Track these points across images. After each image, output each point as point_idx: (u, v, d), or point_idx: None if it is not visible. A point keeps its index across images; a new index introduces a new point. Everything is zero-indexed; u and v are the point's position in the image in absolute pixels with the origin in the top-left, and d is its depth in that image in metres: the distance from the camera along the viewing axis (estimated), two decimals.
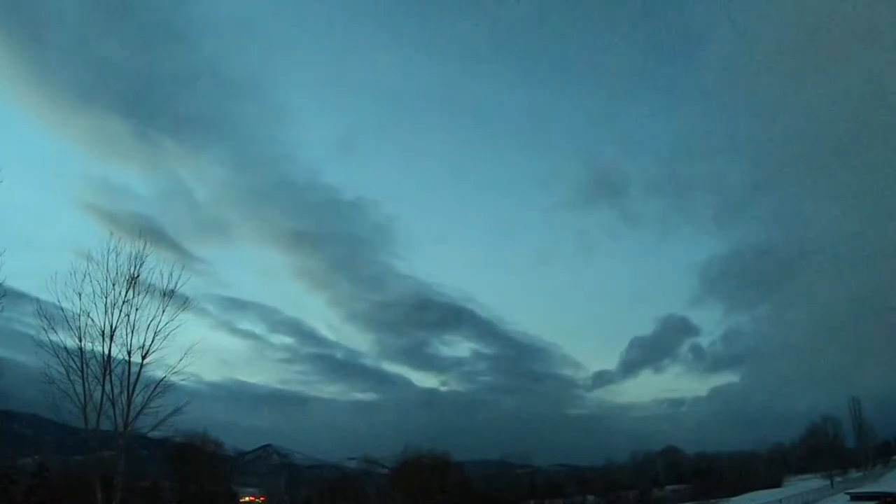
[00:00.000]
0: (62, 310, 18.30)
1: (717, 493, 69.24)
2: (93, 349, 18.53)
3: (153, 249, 19.92)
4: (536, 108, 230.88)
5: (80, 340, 18.31)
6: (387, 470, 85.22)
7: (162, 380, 19.31)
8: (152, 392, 19.12)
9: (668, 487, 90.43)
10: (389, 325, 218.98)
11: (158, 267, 19.95)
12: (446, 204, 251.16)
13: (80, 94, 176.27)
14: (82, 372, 18.21)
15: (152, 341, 19.19)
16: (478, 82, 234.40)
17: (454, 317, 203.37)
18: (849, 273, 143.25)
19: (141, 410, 18.97)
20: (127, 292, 19.04)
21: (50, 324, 18.05)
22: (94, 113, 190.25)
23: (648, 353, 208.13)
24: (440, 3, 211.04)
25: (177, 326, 19.61)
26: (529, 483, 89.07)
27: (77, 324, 18.41)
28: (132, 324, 19.00)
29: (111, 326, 18.72)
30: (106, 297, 18.77)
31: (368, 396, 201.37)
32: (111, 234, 19.44)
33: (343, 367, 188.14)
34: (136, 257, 19.49)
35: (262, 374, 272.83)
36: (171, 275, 19.98)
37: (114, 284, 18.96)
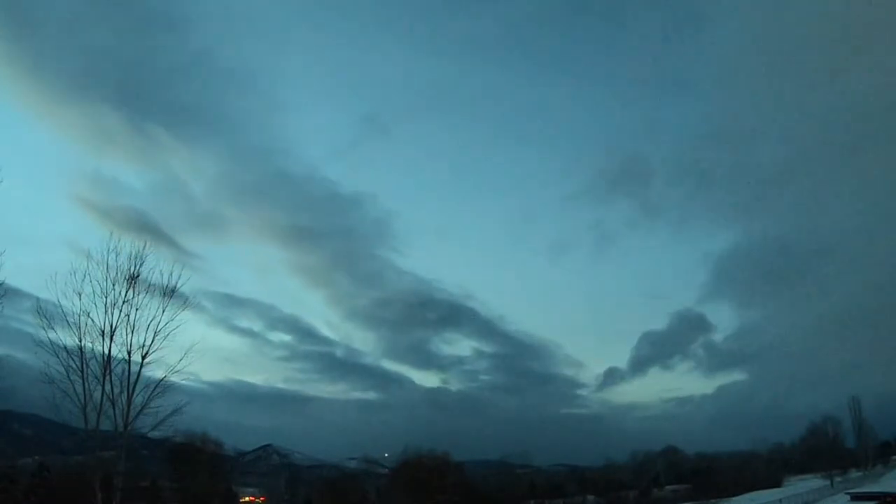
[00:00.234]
0: (62, 309, 18.34)
1: (717, 493, 69.26)
2: (93, 349, 18.54)
3: (152, 248, 19.95)
4: (541, 102, 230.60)
5: (80, 340, 18.33)
6: (387, 470, 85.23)
7: (162, 380, 19.35)
8: (152, 392, 19.14)
9: (668, 487, 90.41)
10: (389, 322, 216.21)
11: (158, 266, 20.01)
12: (447, 198, 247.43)
13: (73, 85, 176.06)
14: (82, 372, 18.21)
15: (152, 341, 19.23)
16: (481, 75, 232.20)
17: (455, 314, 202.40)
18: (853, 273, 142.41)
19: (141, 410, 18.98)
20: (127, 292, 19.06)
21: (48, 322, 18.08)
22: (87, 104, 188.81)
23: (649, 353, 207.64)
24: None
25: (177, 326, 19.66)
26: (529, 483, 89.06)
27: (77, 324, 18.45)
28: (132, 323, 19.02)
29: (111, 326, 18.74)
30: (106, 297, 18.79)
31: (369, 395, 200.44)
32: (111, 233, 19.48)
33: (343, 365, 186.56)
34: (136, 257, 19.53)
35: (262, 374, 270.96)
36: (171, 274, 20.03)
37: (114, 284, 18.99)
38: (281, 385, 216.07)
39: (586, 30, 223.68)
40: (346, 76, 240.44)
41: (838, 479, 64.45)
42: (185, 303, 20.34)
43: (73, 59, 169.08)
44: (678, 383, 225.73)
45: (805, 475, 74.96)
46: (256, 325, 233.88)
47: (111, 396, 18.59)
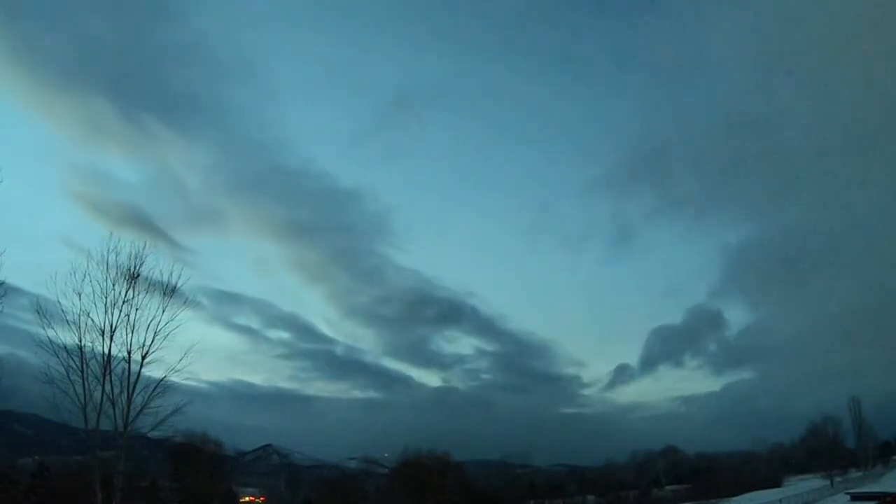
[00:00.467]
0: (62, 309, 18.35)
1: (717, 493, 69.25)
2: (93, 349, 18.55)
3: (150, 246, 19.96)
4: (541, 97, 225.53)
5: (80, 340, 18.35)
6: (387, 470, 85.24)
7: (162, 380, 19.37)
8: (152, 392, 19.16)
9: (668, 487, 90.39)
10: (389, 320, 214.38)
11: (158, 266, 20.03)
12: (447, 193, 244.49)
13: (64, 74, 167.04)
14: (82, 372, 18.22)
15: (152, 341, 19.26)
16: (486, 67, 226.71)
17: (455, 312, 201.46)
18: (859, 272, 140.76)
19: (141, 410, 19.00)
20: (127, 292, 19.08)
21: (47, 321, 18.09)
22: (79, 94, 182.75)
23: (653, 351, 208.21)
24: None
25: (177, 326, 19.69)
26: (529, 483, 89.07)
27: (77, 323, 18.46)
28: (132, 323, 19.07)
29: (111, 326, 18.76)
30: (106, 297, 18.82)
31: (368, 394, 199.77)
32: (111, 233, 19.52)
33: (343, 364, 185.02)
34: (136, 256, 19.55)
35: (261, 373, 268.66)
36: (171, 273, 20.05)
37: (114, 284, 19.01)
38: (280, 384, 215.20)
39: (603, 16, 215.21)
40: (345, 68, 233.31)
41: (838, 479, 64.41)
42: (185, 302, 20.38)
43: (64, 47, 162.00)
44: (683, 382, 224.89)
45: (805, 475, 74.92)
46: (254, 323, 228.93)
47: (111, 396, 18.61)
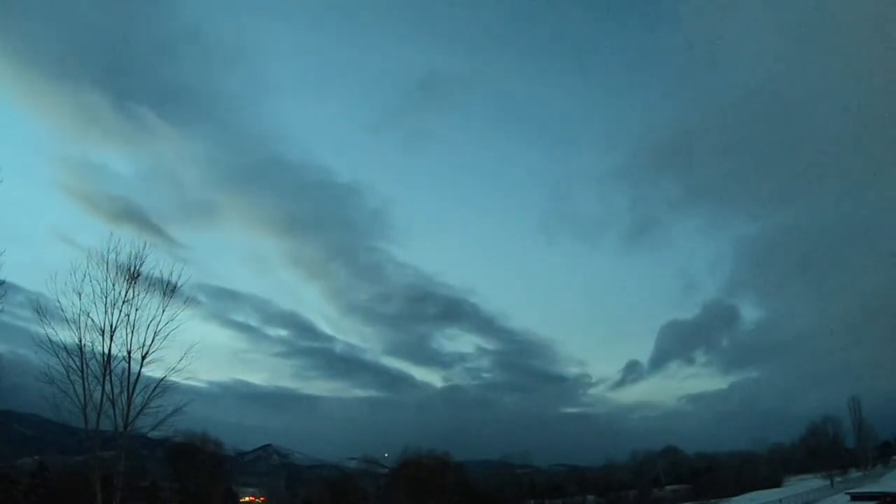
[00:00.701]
0: (62, 309, 18.36)
1: (717, 493, 69.27)
2: (92, 349, 18.57)
3: (145, 242, 19.95)
4: (538, 92, 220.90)
5: (80, 340, 18.36)
6: (387, 470, 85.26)
7: (162, 380, 19.38)
8: (152, 392, 19.18)
9: (668, 487, 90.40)
10: (389, 318, 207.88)
11: (158, 265, 20.06)
12: (448, 187, 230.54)
13: (53, 63, 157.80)
14: (82, 372, 18.24)
15: (152, 341, 19.27)
16: (489, 58, 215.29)
17: (456, 310, 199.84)
18: (859, 272, 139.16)
19: (141, 410, 19.03)
20: (127, 292, 19.09)
21: (45, 319, 18.11)
22: (70, 84, 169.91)
23: (654, 351, 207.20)
24: None
25: (177, 326, 19.70)
26: (529, 483, 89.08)
27: (77, 323, 18.48)
28: (132, 323, 19.09)
29: (111, 326, 18.78)
30: (106, 297, 18.84)
31: (369, 393, 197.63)
32: (111, 233, 19.54)
33: (342, 362, 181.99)
34: (136, 256, 19.56)
35: (260, 372, 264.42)
36: (171, 273, 20.08)
37: (114, 284, 19.02)
38: (280, 383, 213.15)
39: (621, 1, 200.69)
40: (344, 59, 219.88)
41: (838, 479, 64.44)
42: (185, 301, 20.41)
43: (53, 35, 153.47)
44: (687, 381, 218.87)
45: (805, 475, 74.90)
46: (252, 320, 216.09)
47: (111, 396, 18.63)
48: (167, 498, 55.66)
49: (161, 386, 19.34)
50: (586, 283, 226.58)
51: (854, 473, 72.48)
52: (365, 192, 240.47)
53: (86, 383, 18.25)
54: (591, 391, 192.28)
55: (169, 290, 19.84)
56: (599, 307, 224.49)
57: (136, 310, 19.19)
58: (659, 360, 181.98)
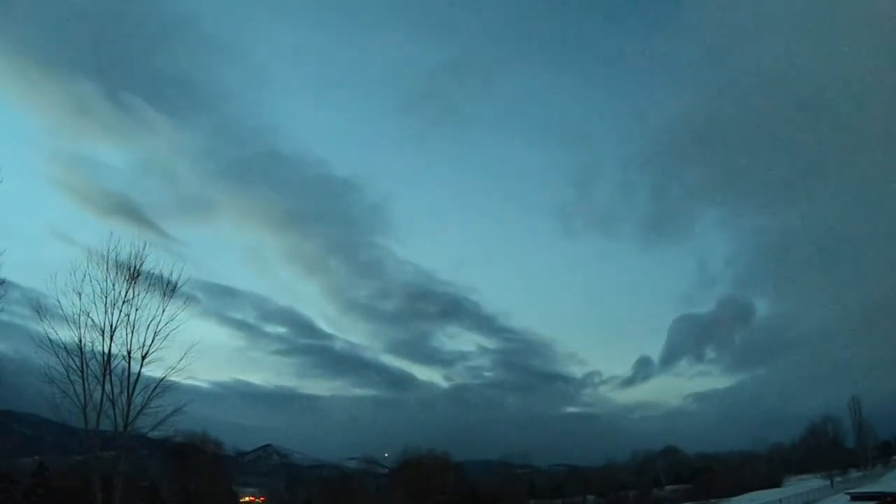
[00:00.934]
0: (61, 309, 18.36)
1: (717, 493, 69.27)
2: (93, 349, 18.56)
3: (149, 246, 19.92)
4: (536, 88, 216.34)
5: (80, 340, 18.36)
6: (387, 470, 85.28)
7: (162, 380, 19.37)
8: (152, 392, 19.17)
9: (668, 487, 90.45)
10: (389, 315, 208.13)
11: (158, 265, 20.06)
12: (448, 182, 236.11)
13: (44, 52, 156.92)
14: (82, 372, 18.24)
15: (152, 341, 19.26)
16: (485, 51, 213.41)
17: (456, 308, 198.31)
18: (861, 271, 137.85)
19: (141, 410, 19.02)
20: (127, 292, 19.09)
21: (45, 318, 18.11)
22: (62, 75, 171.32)
23: (660, 349, 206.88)
24: None
25: (177, 326, 19.70)
26: (529, 483, 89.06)
27: (77, 323, 18.48)
28: (132, 323, 19.08)
29: (111, 326, 18.78)
30: (106, 297, 18.83)
31: (368, 392, 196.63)
32: (111, 233, 19.54)
33: (342, 361, 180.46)
34: (136, 256, 19.57)
35: (259, 371, 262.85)
36: (171, 272, 20.08)
37: (114, 284, 19.02)
38: (279, 382, 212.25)
39: None
40: (343, 50, 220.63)
41: (838, 479, 64.42)
42: (185, 301, 20.40)
43: (45, 24, 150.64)
44: (692, 381, 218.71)
45: (805, 475, 74.90)
46: (250, 318, 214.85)
47: (111, 396, 18.63)
48: (167, 498, 55.65)
49: (161, 386, 19.34)
50: (586, 283, 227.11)
51: (854, 473, 72.47)
52: (364, 186, 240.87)
53: (86, 383, 18.25)
54: (592, 391, 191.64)
55: (169, 289, 19.84)
56: (600, 306, 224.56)
57: (136, 310, 19.20)
58: (668, 358, 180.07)
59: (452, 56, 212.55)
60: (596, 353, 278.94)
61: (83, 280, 18.55)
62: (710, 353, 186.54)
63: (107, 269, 18.97)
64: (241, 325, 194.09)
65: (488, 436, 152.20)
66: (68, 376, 18.07)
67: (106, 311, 18.78)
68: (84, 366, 18.31)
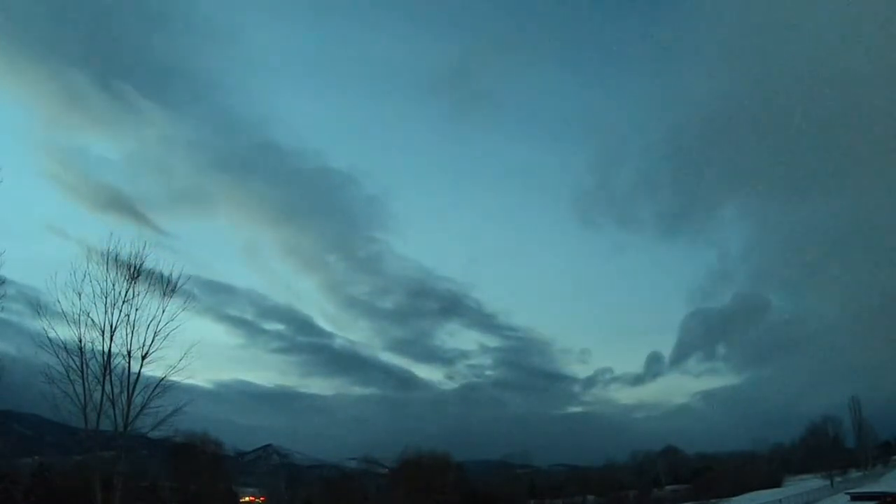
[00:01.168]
0: (61, 309, 18.37)
1: (717, 493, 69.26)
2: (93, 349, 18.58)
3: (148, 244, 19.91)
4: (537, 85, 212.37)
5: (80, 340, 18.37)
6: (387, 470, 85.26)
7: (162, 379, 19.39)
8: (152, 392, 19.18)
9: (668, 487, 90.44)
10: (388, 313, 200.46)
11: (158, 264, 20.08)
12: (449, 177, 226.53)
13: (34, 42, 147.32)
14: (82, 372, 18.26)
15: (152, 341, 19.28)
16: (484, 43, 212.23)
17: (457, 306, 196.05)
18: (862, 271, 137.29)
19: (141, 410, 19.04)
20: (127, 291, 19.11)
21: (45, 318, 18.12)
22: (51, 63, 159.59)
23: (663, 349, 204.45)
24: None
25: (177, 326, 19.71)
26: (529, 483, 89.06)
27: (77, 323, 18.49)
28: (132, 323, 19.10)
29: (111, 325, 18.79)
30: (106, 297, 18.85)
31: (368, 391, 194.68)
32: (111, 233, 19.56)
33: (341, 359, 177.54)
34: (136, 256, 19.58)
35: (258, 370, 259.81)
36: (171, 272, 20.10)
37: (114, 284, 19.04)
38: (279, 382, 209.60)
39: None
40: (340, 39, 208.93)
41: (838, 479, 64.44)
42: (185, 301, 20.42)
43: (32, 10, 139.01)
44: (693, 380, 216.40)
45: (805, 475, 74.92)
46: (248, 315, 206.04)
47: (111, 396, 18.65)
48: (167, 498, 55.62)
49: (161, 386, 19.36)
50: (586, 282, 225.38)
51: (854, 473, 72.47)
52: (363, 179, 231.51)
53: (86, 383, 18.27)
54: (596, 390, 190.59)
55: (169, 289, 19.86)
56: (607, 302, 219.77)
57: (136, 309, 19.24)
58: (678, 356, 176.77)
59: (457, 47, 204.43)
60: (602, 350, 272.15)
61: (83, 280, 18.58)
62: (720, 349, 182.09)
63: (107, 268, 19.00)
64: (239, 323, 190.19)
65: (488, 435, 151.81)
66: (68, 376, 18.10)
67: (106, 311, 18.83)
68: (84, 366, 18.34)
